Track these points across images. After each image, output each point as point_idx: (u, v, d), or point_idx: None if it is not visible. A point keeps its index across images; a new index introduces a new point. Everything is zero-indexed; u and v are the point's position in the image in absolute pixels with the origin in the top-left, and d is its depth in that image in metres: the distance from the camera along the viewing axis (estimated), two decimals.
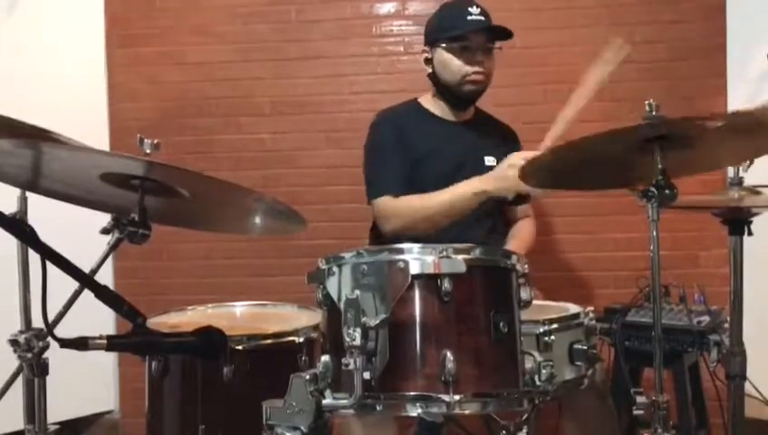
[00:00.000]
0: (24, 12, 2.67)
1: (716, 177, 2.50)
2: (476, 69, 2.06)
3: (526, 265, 1.27)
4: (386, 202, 2.05)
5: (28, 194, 1.43)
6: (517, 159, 1.85)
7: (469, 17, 2.04)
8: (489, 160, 2.14)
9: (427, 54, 2.14)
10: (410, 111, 2.21)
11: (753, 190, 1.71)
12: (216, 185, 1.31)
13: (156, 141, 1.28)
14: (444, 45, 2.08)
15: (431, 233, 1.92)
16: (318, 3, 2.88)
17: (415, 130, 2.14)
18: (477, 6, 2.06)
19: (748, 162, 1.72)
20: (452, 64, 2.07)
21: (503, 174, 1.90)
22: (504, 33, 2.08)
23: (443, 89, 2.14)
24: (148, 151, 1.28)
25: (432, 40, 2.12)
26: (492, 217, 2.17)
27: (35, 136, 1.39)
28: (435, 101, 2.19)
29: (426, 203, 1.99)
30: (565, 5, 2.80)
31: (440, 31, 2.11)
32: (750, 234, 1.72)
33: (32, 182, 1.34)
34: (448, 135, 2.16)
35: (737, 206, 1.71)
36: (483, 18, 2.05)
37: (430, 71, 2.14)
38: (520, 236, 2.20)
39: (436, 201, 1.98)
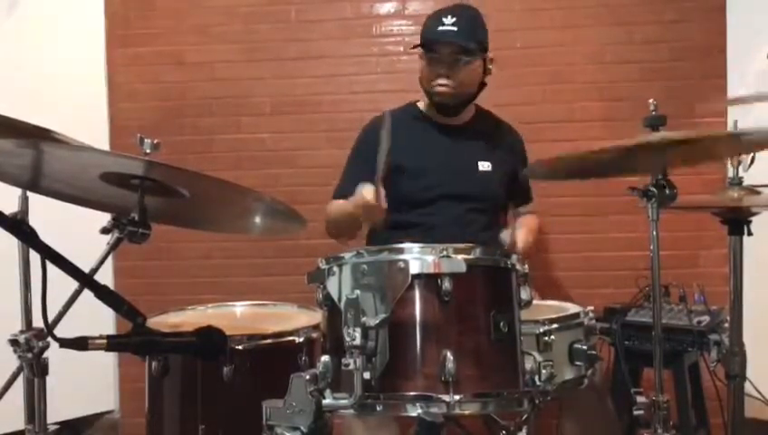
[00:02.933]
0: (24, 12, 2.67)
1: (716, 177, 2.51)
2: (440, 81, 2.04)
3: (526, 266, 1.27)
4: (331, 203, 2.17)
5: (29, 194, 1.42)
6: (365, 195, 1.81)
7: (440, 27, 2.01)
8: (483, 166, 2.13)
9: (421, 59, 2.12)
10: (405, 115, 2.20)
11: (753, 190, 1.72)
12: (216, 185, 1.31)
13: (156, 141, 1.28)
14: (421, 53, 2.08)
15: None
16: (318, 3, 2.88)
17: (404, 133, 2.12)
18: (453, 16, 2.01)
19: (749, 161, 1.72)
20: (423, 73, 2.09)
21: (354, 205, 1.88)
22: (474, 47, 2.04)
23: (425, 94, 2.14)
24: (147, 151, 1.28)
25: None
26: (485, 220, 2.16)
27: (36, 136, 1.39)
28: (430, 105, 2.18)
29: (332, 207, 2.12)
30: (565, 5, 2.80)
31: (420, 38, 2.10)
32: (750, 234, 1.72)
33: (32, 182, 1.34)
34: (440, 139, 2.15)
35: (737, 206, 1.72)
36: (454, 29, 2.00)
37: (420, 75, 2.13)
38: (524, 223, 2.20)
39: (336, 207, 2.08)
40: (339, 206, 2.07)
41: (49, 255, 1.08)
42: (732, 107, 2.58)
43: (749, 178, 1.74)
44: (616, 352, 2.01)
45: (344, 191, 2.12)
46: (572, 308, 1.68)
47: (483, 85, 2.12)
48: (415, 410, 1.09)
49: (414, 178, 2.10)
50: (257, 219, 1.61)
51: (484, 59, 2.09)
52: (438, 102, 2.10)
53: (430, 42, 2.04)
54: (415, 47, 2.10)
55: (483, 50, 2.07)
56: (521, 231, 2.01)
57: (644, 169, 1.51)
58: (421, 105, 2.22)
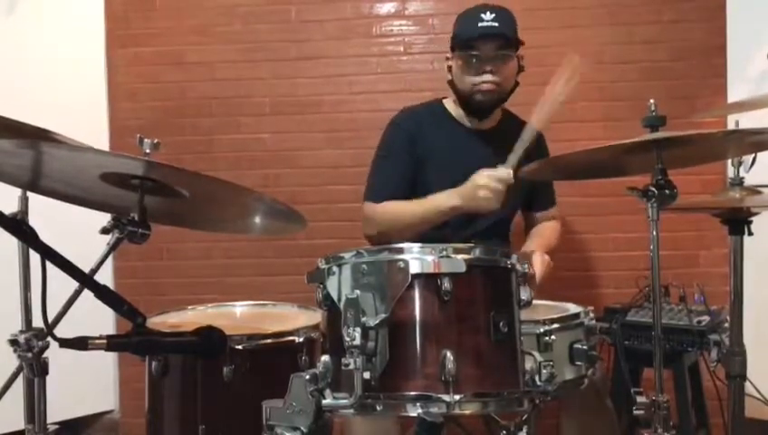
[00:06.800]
0: (24, 12, 2.67)
1: (716, 177, 2.51)
2: (485, 78, 2.00)
3: (526, 266, 1.27)
4: (372, 207, 2.05)
5: (28, 194, 1.43)
6: (482, 178, 1.79)
7: (480, 24, 1.97)
8: None
9: (449, 62, 2.09)
10: (431, 112, 2.17)
11: (753, 190, 1.72)
12: (216, 185, 1.31)
13: (156, 141, 1.28)
14: (457, 53, 2.03)
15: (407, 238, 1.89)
16: (318, 3, 2.88)
17: (431, 132, 2.11)
18: (492, 12, 1.99)
19: (750, 161, 1.72)
20: (463, 73, 2.03)
21: (471, 193, 1.82)
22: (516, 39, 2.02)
23: (459, 96, 2.09)
24: (147, 151, 1.27)
25: (451, 46, 2.08)
26: (498, 226, 2.15)
27: (36, 136, 1.39)
28: (456, 106, 2.15)
29: (402, 211, 1.98)
30: (565, 5, 2.80)
31: (455, 38, 2.07)
32: (750, 234, 1.72)
33: (32, 182, 1.34)
34: (465, 141, 2.11)
35: (737, 206, 1.71)
36: (495, 24, 1.97)
37: (450, 78, 2.09)
38: (541, 234, 2.17)
39: (411, 211, 1.96)
40: (426, 204, 1.94)
41: (49, 255, 1.08)
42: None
43: (749, 178, 1.74)
44: (616, 352, 2.01)
45: (387, 191, 2.05)
46: (572, 308, 1.67)
47: (516, 84, 2.09)
48: (415, 410, 1.09)
49: (432, 177, 2.08)
50: (257, 219, 1.60)
51: (517, 56, 2.06)
52: (480, 102, 2.05)
53: (472, 39, 1.98)
54: (453, 49, 2.05)
55: (520, 44, 2.05)
56: (536, 258, 1.91)
57: (644, 169, 1.51)
58: (448, 104, 2.18)
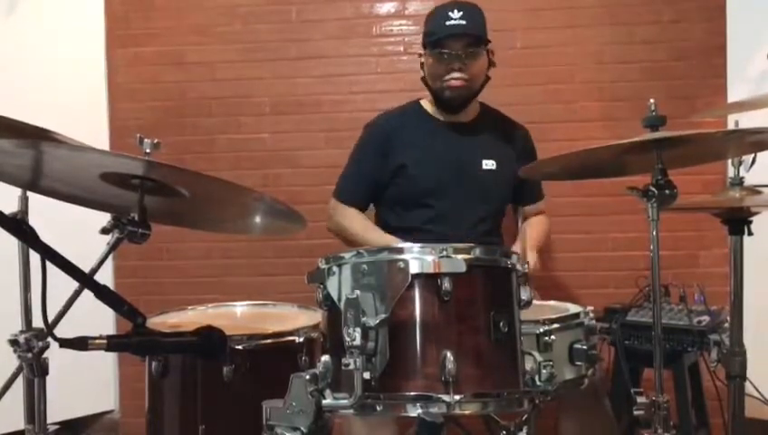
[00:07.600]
0: (24, 12, 2.67)
1: (716, 177, 2.51)
2: (453, 75, 2.04)
3: (526, 266, 1.27)
4: (337, 205, 2.20)
5: (28, 194, 1.43)
6: None
7: (448, 22, 2.02)
8: (487, 164, 2.14)
9: (421, 58, 2.14)
10: (408, 113, 2.21)
11: (754, 190, 1.71)
12: (216, 185, 1.31)
13: (156, 141, 1.28)
14: (427, 51, 2.08)
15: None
16: (318, 3, 2.88)
17: (409, 131, 2.14)
18: (460, 10, 2.03)
19: (750, 161, 1.72)
20: (432, 70, 2.08)
21: None
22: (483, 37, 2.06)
23: (431, 92, 2.14)
24: (147, 151, 1.27)
25: (423, 44, 2.13)
26: (488, 221, 2.17)
27: (36, 136, 1.40)
28: (432, 103, 2.19)
29: (359, 234, 2.11)
30: (565, 5, 2.80)
31: (425, 35, 2.11)
32: (750, 234, 1.72)
33: (32, 182, 1.34)
34: (443, 136, 2.15)
35: (737, 206, 1.71)
36: (463, 23, 2.01)
37: (423, 74, 2.14)
38: (530, 230, 2.19)
39: (361, 234, 2.09)
40: (377, 239, 2.05)
41: (49, 255, 1.08)
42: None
43: (749, 178, 1.74)
44: (616, 353, 2.01)
45: (351, 193, 2.18)
46: (572, 308, 1.67)
47: (487, 79, 2.12)
48: (415, 411, 1.09)
49: (415, 176, 2.09)
50: (257, 219, 1.60)
51: (487, 51, 2.09)
52: (450, 98, 2.09)
53: (441, 37, 2.02)
54: (425, 47, 2.09)
55: (488, 41, 2.08)
56: (530, 252, 1.97)
57: (644, 169, 1.51)
58: (424, 103, 2.21)
